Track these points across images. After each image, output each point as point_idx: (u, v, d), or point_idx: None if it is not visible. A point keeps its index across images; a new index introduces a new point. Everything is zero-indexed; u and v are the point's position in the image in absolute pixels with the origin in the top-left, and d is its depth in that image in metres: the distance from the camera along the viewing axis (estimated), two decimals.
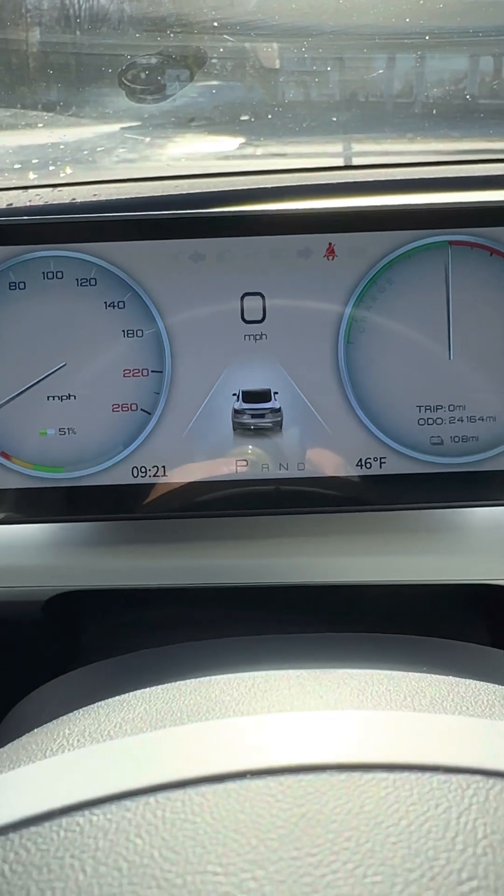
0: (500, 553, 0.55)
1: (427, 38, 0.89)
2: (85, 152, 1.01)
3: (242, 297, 0.54)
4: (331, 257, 0.54)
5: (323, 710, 0.27)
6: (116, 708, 0.29)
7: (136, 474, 0.55)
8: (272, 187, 0.72)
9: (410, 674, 0.31)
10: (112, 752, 0.24)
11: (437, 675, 0.31)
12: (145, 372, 0.54)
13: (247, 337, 0.54)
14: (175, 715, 0.27)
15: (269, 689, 0.29)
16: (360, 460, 0.55)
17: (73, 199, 0.78)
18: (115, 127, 1.00)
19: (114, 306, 0.54)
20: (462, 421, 0.55)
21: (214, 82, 0.98)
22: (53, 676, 0.50)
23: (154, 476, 0.54)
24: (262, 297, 0.54)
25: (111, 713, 0.28)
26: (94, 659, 0.51)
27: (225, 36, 0.92)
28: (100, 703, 0.30)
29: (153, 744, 0.24)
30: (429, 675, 0.31)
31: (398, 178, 0.71)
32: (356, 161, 0.95)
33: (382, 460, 0.55)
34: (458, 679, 0.30)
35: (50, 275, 0.54)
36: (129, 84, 0.92)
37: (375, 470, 0.55)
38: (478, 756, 0.22)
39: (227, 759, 0.22)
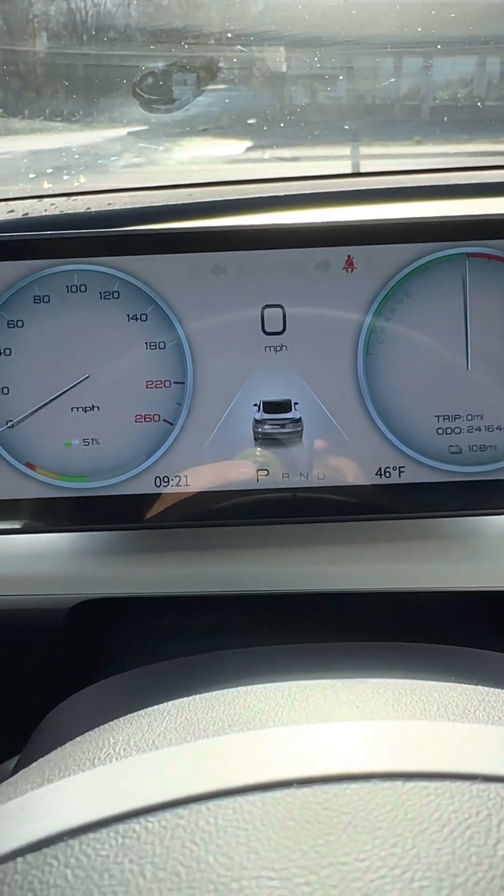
0: None
1: (438, 46, 0.90)
2: (99, 161, 1.02)
3: (263, 309, 0.55)
4: (350, 269, 0.54)
5: (362, 721, 0.28)
6: (157, 718, 0.30)
7: (158, 484, 0.55)
8: (288, 195, 0.73)
9: (441, 683, 0.31)
10: (160, 760, 0.24)
11: (467, 686, 0.31)
12: (168, 383, 0.55)
13: (267, 348, 0.55)
14: (216, 724, 0.28)
15: (306, 699, 0.30)
16: (379, 469, 0.55)
17: (88, 208, 0.79)
18: (126, 134, 1.01)
19: (136, 319, 0.55)
20: (480, 430, 0.55)
21: (227, 92, 0.99)
22: (77, 684, 0.51)
23: (176, 486, 0.55)
24: (283, 308, 0.55)
25: (152, 723, 0.29)
26: (117, 667, 0.52)
27: (238, 47, 0.93)
28: (138, 712, 0.31)
29: (200, 753, 0.24)
30: (458, 685, 0.32)
31: (413, 185, 0.72)
32: (366, 166, 0.96)
33: (401, 469, 0.55)
34: (487, 689, 0.31)
35: (74, 288, 0.55)
36: (143, 95, 0.93)
37: (394, 479, 0.55)
38: None
39: (274, 768, 0.23)
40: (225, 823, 0.21)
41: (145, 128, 0.97)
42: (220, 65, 0.97)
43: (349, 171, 0.97)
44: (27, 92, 1.03)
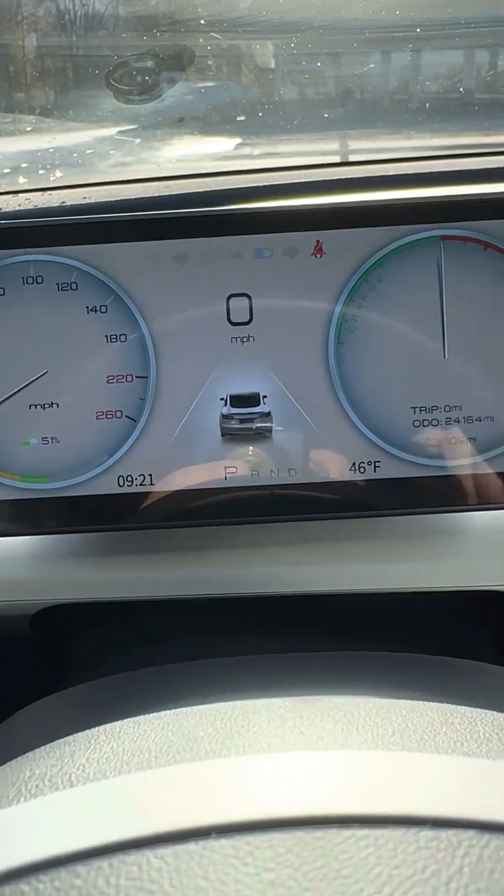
0: (501, 558, 0.53)
1: (418, 30, 0.87)
2: (74, 155, 0.99)
3: (228, 299, 0.52)
4: (318, 255, 0.52)
5: (300, 752, 0.25)
6: (83, 745, 0.27)
7: (122, 483, 0.53)
8: (261, 186, 0.70)
9: (401, 702, 0.29)
10: (65, 803, 0.21)
11: (431, 703, 0.28)
12: (129, 378, 0.53)
13: (234, 339, 0.52)
14: (143, 755, 0.25)
15: (247, 724, 0.27)
16: (354, 465, 0.53)
17: (63, 202, 0.76)
18: (104, 128, 0.99)
19: (96, 311, 0.52)
20: (459, 422, 0.53)
21: (203, 81, 0.96)
22: (42, 694, 0.48)
23: (140, 485, 0.53)
24: (249, 298, 0.52)
25: (76, 752, 0.26)
26: (84, 675, 0.50)
27: (213, 34, 0.90)
28: (67, 738, 0.28)
29: (111, 794, 0.22)
30: (421, 703, 0.29)
31: (390, 173, 0.69)
32: (353, 158, 0.93)
33: (377, 464, 0.53)
34: (453, 707, 0.28)
35: (29, 280, 0.52)
36: (116, 85, 0.90)
37: (370, 474, 0.53)
38: (470, 805, 0.20)
39: (191, 813, 0.20)
40: (128, 884, 0.18)
41: (120, 116, 0.94)
42: (198, 53, 0.94)
43: (332, 161, 0.94)
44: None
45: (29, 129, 1.01)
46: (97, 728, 0.29)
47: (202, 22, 0.88)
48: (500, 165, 0.60)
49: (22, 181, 0.91)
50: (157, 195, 0.76)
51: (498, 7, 0.85)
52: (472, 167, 0.74)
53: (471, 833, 0.19)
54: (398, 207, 0.52)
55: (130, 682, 0.42)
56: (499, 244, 0.52)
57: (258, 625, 0.56)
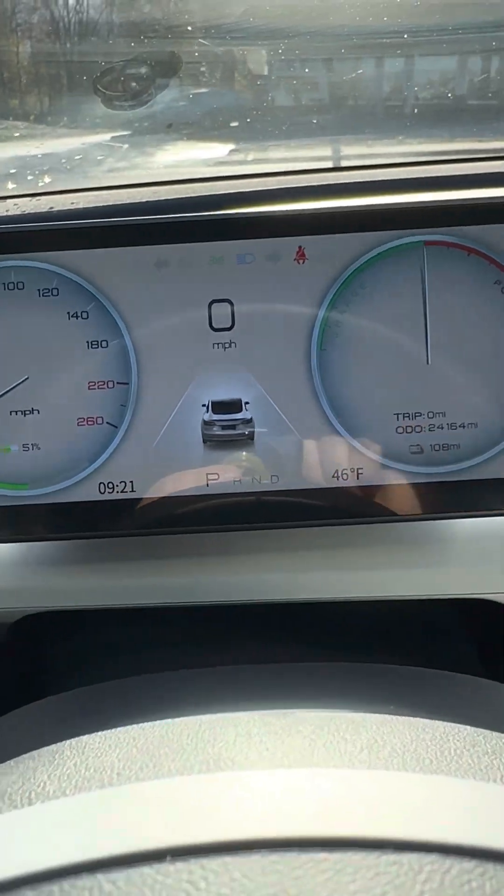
0: (484, 566, 0.53)
1: (406, 36, 0.87)
2: (63, 161, 0.99)
3: (210, 305, 0.52)
4: (301, 261, 0.52)
5: (262, 770, 0.24)
6: (47, 761, 0.26)
7: (102, 490, 0.52)
8: (244, 192, 0.70)
9: (373, 716, 0.28)
10: (17, 824, 0.21)
11: (403, 718, 0.28)
12: (111, 384, 0.52)
13: (215, 345, 0.52)
14: (105, 772, 0.25)
15: (213, 740, 0.27)
16: (336, 471, 0.52)
17: (51, 207, 0.76)
18: (94, 134, 0.99)
19: (77, 317, 0.52)
20: (442, 428, 0.52)
21: (193, 87, 0.96)
22: (23, 702, 0.48)
23: (122, 492, 0.52)
24: (231, 303, 0.52)
25: (39, 768, 0.26)
26: (64, 684, 0.49)
27: (201, 40, 0.90)
28: (32, 753, 0.28)
29: (65, 815, 0.21)
30: (394, 717, 0.28)
31: (373, 179, 0.69)
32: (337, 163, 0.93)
33: (360, 471, 0.52)
34: (426, 721, 0.27)
35: (11, 285, 0.52)
36: (104, 91, 0.90)
37: (352, 481, 0.52)
38: (434, 827, 0.19)
39: (147, 835, 0.20)
40: None
41: (108, 122, 0.94)
42: (187, 60, 0.94)
43: (321, 166, 0.94)
44: None
45: (18, 134, 1.01)
46: (63, 742, 0.28)
47: (190, 28, 0.88)
48: (484, 171, 0.60)
49: (11, 186, 0.91)
50: (141, 201, 0.76)
51: (485, 14, 0.85)
52: (459, 173, 0.74)
53: (432, 857, 0.19)
54: (381, 213, 0.52)
55: (104, 694, 0.41)
56: (482, 249, 0.51)
57: (241, 633, 0.56)
